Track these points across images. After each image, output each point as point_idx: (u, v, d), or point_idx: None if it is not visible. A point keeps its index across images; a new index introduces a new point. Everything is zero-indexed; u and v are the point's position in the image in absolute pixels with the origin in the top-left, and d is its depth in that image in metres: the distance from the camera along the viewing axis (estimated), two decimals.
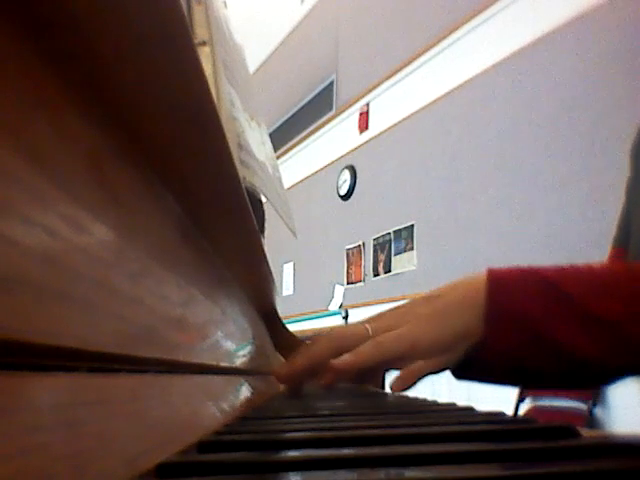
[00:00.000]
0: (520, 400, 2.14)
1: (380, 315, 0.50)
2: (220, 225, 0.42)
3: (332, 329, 0.54)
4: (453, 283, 0.48)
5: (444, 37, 3.04)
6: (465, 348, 0.46)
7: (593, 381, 0.49)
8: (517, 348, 0.44)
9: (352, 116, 3.90)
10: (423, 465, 0.16)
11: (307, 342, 0.51)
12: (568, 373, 0.45)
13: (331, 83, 4.26)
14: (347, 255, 3.75)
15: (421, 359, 0.56)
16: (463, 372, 0.49)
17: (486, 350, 0.45)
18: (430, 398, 0.57)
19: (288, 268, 4.45)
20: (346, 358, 0.45)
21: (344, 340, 0.48)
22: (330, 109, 4.20)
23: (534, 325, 0.43)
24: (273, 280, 0.77)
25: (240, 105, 0.68)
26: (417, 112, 3.25)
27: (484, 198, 2.69)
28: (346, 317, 3.26)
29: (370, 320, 0.50)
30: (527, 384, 0.57)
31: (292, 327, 1.10)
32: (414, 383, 0.59)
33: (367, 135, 3.73)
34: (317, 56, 4.51)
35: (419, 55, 3.23)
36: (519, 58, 2.58)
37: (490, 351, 0.45)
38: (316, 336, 0.52)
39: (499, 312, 0.44)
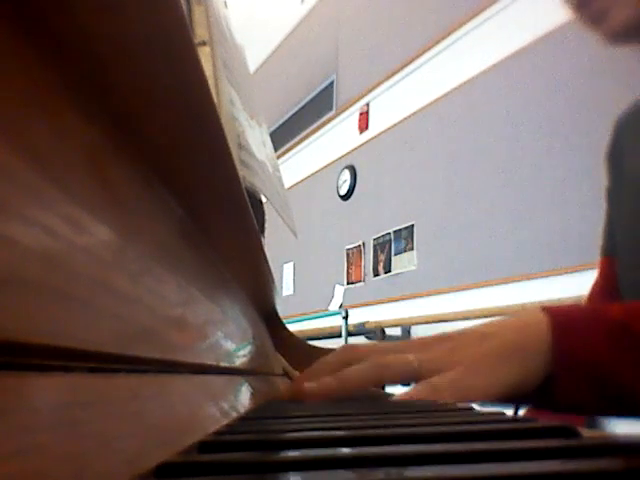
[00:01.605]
0: None
1: (425, 344, 0.46)
2: (220, 225, 0.42)
3: (375, 345, 0.49)
4: (509, 320, 0.44)
5: (444, 37, 3.04)
6: (520, 395, 0.42)
7: None
8: (586, 396, 0.41)
9: (352, 116, 3.90)
10: (423, 465, 0.16)
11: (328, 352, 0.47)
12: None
13: (331, 83, 4.26)
14: (347, 255, 3.75)
15: None
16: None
17: (555, 396, 0.42)
18: None
19: (288, 268, 4.44)
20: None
21: (387, 371, 0.44)
22: (330, 109, 4.20)
23: (603, 372, 0.40)
24: (273, 280, 0.77)
25: (240, 105, 0.68)
26: (417, 112, 3.25)
27: (484, 198, 2.69)
28: (346, 317, 3.26)
29: (414, 347, 0.45)
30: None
31: (292, 327, 1.10)
32: None
33: (367, 135, 3.73)
34: (317, 56, 4.51)
35: (419, 55, 3.23)
36: (519, 58, 2.58)
37: (558, 398, 0.42)
38: (352, 348, 0.47)
39: (569, 362, 0.41)
